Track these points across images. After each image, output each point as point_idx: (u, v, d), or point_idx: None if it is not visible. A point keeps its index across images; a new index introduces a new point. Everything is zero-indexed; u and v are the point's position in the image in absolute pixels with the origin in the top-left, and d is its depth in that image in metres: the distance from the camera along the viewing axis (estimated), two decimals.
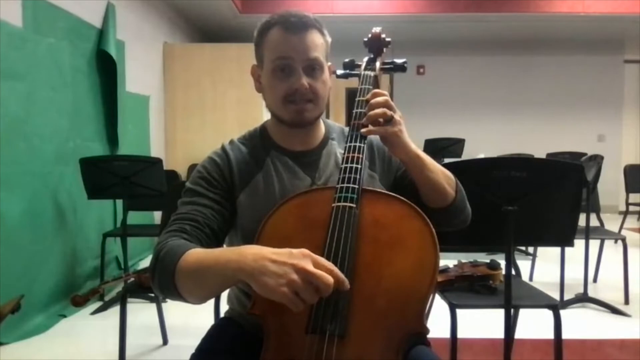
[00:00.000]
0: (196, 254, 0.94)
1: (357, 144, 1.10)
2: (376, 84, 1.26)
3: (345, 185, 1.03)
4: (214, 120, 5.50)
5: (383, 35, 1.33)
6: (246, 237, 1.14)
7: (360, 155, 1.08)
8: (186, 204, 1.11)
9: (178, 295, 0.95)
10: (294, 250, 0.83)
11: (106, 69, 3.97)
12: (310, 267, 0.81)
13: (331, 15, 6.01)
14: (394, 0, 6.32)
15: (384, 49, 1.34)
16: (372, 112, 1.08)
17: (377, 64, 1.29)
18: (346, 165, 1.07)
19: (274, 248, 0.85)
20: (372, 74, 1.25)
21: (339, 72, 1.31)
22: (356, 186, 1.03)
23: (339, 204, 1.01)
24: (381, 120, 1.08)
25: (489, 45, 7.70)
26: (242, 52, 5.32)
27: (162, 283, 0.95)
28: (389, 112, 1.08)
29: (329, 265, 0.83)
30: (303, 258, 0.82)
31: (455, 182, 1.19)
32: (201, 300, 0.96)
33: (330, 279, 0.80)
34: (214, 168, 1.17)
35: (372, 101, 1.10)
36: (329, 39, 1.19)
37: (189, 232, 1.04)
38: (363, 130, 1.09)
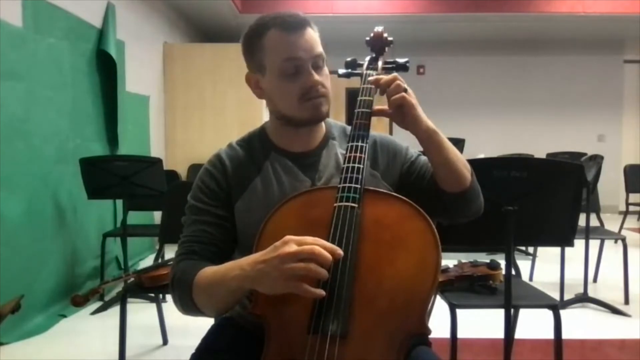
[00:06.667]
0: (206, 273, 1.02)
1: (360, 144, 1.10)
2: None
3: (347, 185, 1.03)
4: (214, 120, 5.49)
5: (385, 35, 1.31)
6: (244, 241, 1.14)
7: (363, 155, 1.08)
8: (190, 224, 1.15)
9: (197, 310, 1.04)
10: (277, 242, 0.90)
11: (106, 69, 3.97)
12: (293, 248, 0.87)
13: (331, 15, 6.01)
14: (394, 0, 6.32)
15: (386, 48, 1.33)
16: (389, 89, 1.07)
17: (379, 63, 1.28)
18: (348, 164, 1.06)
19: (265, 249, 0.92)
20: (374, 73, 1.24)
21: (341, 71, 1.30)
22: (358, 186, 1.03)
23: (340, 203, 1.01)
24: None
25: (489, 45, 7.69)
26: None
27: (182, 300, 1.06)
28: (402, 85, 1.07)
29: (312, 239, 0.88)
30: (285, 245, 0.88)
31: (470, 166, 1.17)
32: (219, 312, 1.07)
33: (316, 248, 0.86)
34: (210, 180, 1.17)
35: (382, 81, 1.09)
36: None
37: (198, 252, 1.10)
38: (396, 96, 1.06)
